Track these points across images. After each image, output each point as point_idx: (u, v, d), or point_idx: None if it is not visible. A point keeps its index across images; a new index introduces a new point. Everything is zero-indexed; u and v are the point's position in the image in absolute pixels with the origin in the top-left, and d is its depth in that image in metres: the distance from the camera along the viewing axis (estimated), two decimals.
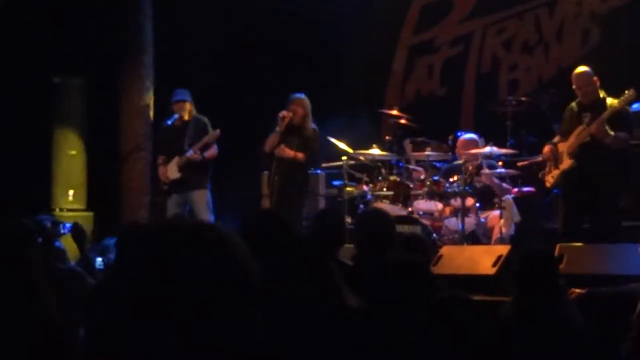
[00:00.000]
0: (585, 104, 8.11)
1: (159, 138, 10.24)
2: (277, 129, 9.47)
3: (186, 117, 9.88)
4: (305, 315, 3.55)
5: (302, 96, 9.67)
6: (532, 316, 4.60)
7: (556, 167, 8.27)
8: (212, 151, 9.82)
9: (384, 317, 3.58)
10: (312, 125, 9.65)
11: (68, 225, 6.83)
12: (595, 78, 8.17)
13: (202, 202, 9.71)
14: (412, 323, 3.18)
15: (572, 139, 8.11)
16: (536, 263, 4.81)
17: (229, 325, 1.86)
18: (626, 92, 7.79)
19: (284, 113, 9.47)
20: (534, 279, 4.71)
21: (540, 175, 8.75)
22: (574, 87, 8.21)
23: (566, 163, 8.13)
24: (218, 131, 9.75)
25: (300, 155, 9.49)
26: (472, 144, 9.85)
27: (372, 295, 3.76)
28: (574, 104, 8.27)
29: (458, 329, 3.05)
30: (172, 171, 9.83)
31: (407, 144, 10.47)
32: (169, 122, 9.94)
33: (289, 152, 9.47)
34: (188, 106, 9.90)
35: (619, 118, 7.82)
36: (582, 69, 8.29)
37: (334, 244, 5.49)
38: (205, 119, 9.89)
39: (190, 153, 9.64)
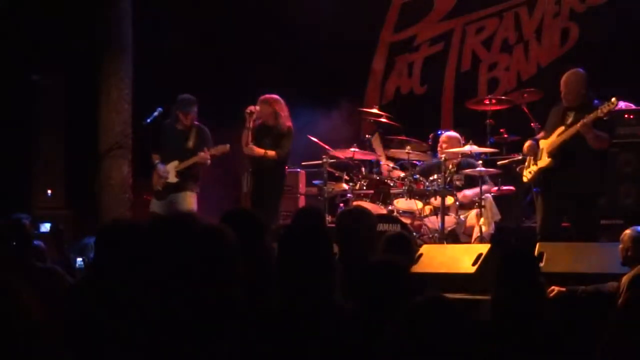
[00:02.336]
0: (573, 105, 8.08)
1: (157, 136, 9.81)
2: (246, 125, 9.41)
3: (188, 123, 9.65)
4: (294, 315, 3.55)
5: (274, 96, 9.57)
6: (511, 315, 4.60)
7: (535, 162, 8.28)
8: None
9: (364, 317, 3.58)
10: (286, 122, 9.54)
11: (48, 224, 6.79)
12: (583, 80, 8.10)
13: (188, 204, 9.50)
14: (389, 326, 3.17)
15: (553, 137, 8.11)
16: (516, 262, 4.82)
17: (211, 323, 1.85)
18: (609, 102, 7.74)
19: (250, 108, 9.40)
20: (514, 277, 4.71)
21: (518, 169, 8.76)
22: (561, 89, 8.14)
23: (544, 161, 8.14)
24: (228, 146, 9.50)
25: (270, 153, 9.43)
26: (454, 140, 9.87)
27: (354, 296, 3.76)
28: (562, 102, 8.24)
29: (435, 332, 3.04)
30: (170, 175, 9.59)
31: (375, 139, 10.44)
32: (150, 120, 9.77)
33: (259, 151, 9.41)
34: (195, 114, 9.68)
35: (601, 122, 7.81)
36: (571, 71, 8.21)
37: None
38: (207, 130, 9.69)
39: (204, 154, 9.39)
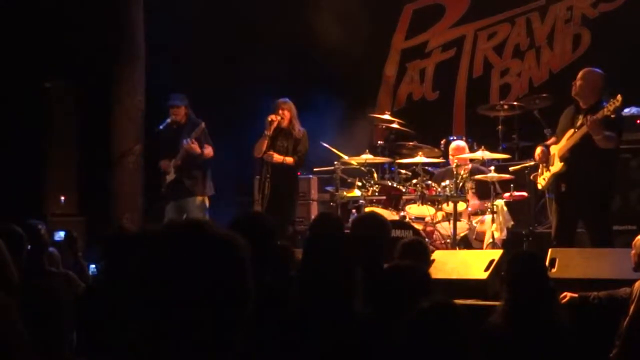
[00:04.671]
0: (581, 107, 8.06)
1: (158, 145, 10.19)
2: (266, 132, 9.57)
3: (183, 122, 9.87)
4: (315, 320, 3.57)
5: (287, 100, 9.82)
6: (520, 320, 4.61)
7: (548, 169, 8.25)
8: (207, 149, 9.77)
9: (382, 322, 3.60)
10: (300, 127, 9.81)
11: (62, 232, 6.82)
12: (601, 81, 8.10)
13: (198, 210, 9.66)
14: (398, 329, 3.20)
15: (563, 141, 8.09)
16: (524, 266, 4.82)
17: (219, 328, 1.86)
18: (614, 99, 7.72)
19: (272, 117, 9.60)
20: (523, 282, 4.72)
21: (532, 177, 8.74)
22: (576, 78, 8.10)
23: (557, 166, 8.11)
24: (202, 124, 9.71)
25: (289, 159, 9.60)
26: (460, 151, 9.91)
27: (371, 301, 3.78)
28: (572, 106, 8.23)
29: (442, 337, 3.06)
30: (170, 172, 9.80)
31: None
32: (162, 127, 9.92)
33: (278, 158, 9.59)
34: (183, 110, 9.88)
35: (608, 122, 7.78)
36: (594, 69, 8.19)
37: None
38: (200, 120, 9.84)
39: (186, 142, 9.57)
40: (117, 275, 4.41)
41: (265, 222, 4.57)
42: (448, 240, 9.14)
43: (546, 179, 8.26)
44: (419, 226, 9.16)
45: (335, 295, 3.60)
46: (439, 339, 3.03)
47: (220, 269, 1.87)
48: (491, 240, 8.89)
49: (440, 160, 10.21)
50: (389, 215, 9.17)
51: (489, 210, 9.11)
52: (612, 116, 7.70)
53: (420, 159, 9.64)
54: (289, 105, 9.77)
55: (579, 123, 7.96)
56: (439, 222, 9.47)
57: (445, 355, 3.04)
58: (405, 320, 3.11)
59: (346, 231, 6.16)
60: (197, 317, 1.83)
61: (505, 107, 10.42)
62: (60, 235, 6.94)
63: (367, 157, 9.82)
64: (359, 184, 9.94)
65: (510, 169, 9.82)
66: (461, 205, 9.34)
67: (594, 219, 8.00)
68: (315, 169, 11.03)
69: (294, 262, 4.83)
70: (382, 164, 10.41)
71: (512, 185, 9.59)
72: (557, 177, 8.14)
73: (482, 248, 9.01)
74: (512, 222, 9.31)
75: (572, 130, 8.01)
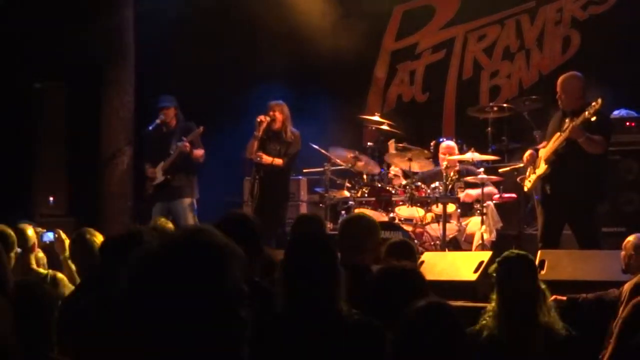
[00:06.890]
0: (569, 111, 8.07)
1: (146, 146, 10.17)
2: (255, 133, 9.55)
3: (172, 124, 9.86)
4: (300, 323, 3.56)
5: (280, 102, 9.74)
6: (511, 321, 4.60)
7: (534, 171, 8.27)
8: (199, 151, 9.77)
9: (370, 324, 3.59)
10: (292, 129, 9.74)
11: (51, 234, 6.79)
12: (581, 85, 8.12)
13: (186, 212, 9.67)
14: (392, 329, 3.19)
15: (550, 144, 8.11)
16: (515, 268, 4.81)
17: (207, 334, 1.86)
18: (594, 102, 7.71)
19: (261, 117, 9.57)
20: (513, 284, 4.71)
21: (519, 180, 8.76)
22: (557, 91, 8.15)
23: (541, 169, 8.13)
24: (201, 128, 9.73)
25: (278, 161, 9.56)
26: (450, 150, 9.91)
27: (366, 303, 3.78)
28: (560, 110, 8.23)
29: (437, 337, 3.06)
30: (158, 174, 9.80)
31: (391, 144, 10.42)
32: (151, 129, 9.91)
33: (267, 159, 9.56)
34: (172, 112, 9.87)
35: (593, 124, 7.77)
36: (570, 74, 8.23)
37: None
38: (193, 124, 9.83)
39: (181, 143, 9.56)
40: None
41: (252, 223, 4.57)
42: (437, 242, 9.15)
43: (532, 181, 8.28)
44: (408, 227, 9.17)
45: (318, 296, 3.59)
46: (433, 339, 3.03)
47: (215, 274, 1.87)
48: (480, 241, 8.90)
49: (428, 164, 10.21)
50: (379, 216, 9.17)
51: (478, 211, 9.12)
52: (592, 119, 7.70)
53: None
54: (280, 107, 9.72)
55: (565, 127, 7.97)
56: (428, 223, 9.48)
57: (439, 355, 3.04)
58: (399, 320, 3.11)
59: (334, 232, 6.16)
60: (192, 319, 1.83)
61: (495, 108, 10.42)
62: (48, 236, 6.92)
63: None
64: (349, 185, 9.94)
65: (500, 170, 9.84)
66: (450, 207, 9.35)
67: (579, 222, 8.00)
68: (304, 170, 11.02)
69: (273, 264, 4.82)
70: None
71: (501, 187, 9.61)
72: (542, 180, 8.15)
73: (471, 249, 9.02)
74: (501, 224, 9.32)
75: (558, 134, 8.02)
